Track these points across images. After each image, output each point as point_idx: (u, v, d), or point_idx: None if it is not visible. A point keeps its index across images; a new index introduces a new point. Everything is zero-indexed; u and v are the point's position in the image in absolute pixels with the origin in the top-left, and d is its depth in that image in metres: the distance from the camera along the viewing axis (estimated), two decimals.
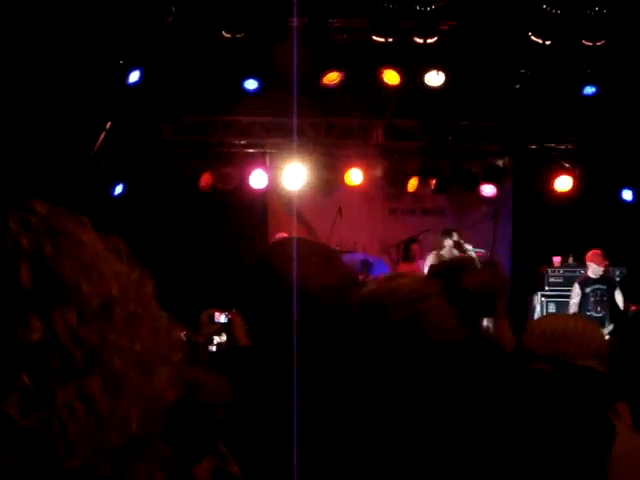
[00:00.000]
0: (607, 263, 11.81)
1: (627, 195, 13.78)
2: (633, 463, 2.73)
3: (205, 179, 13.49)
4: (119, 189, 13.20)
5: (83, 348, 1.10)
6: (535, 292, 13.30)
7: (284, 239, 2.78)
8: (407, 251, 13.57)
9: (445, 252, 12.38)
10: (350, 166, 13.73)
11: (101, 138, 12.53)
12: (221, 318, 9.56)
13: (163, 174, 13.25)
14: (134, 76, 11.85)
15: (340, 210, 13.26)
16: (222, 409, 2.12)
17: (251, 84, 12.61)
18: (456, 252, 12.26)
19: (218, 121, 13.67)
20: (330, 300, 2.44)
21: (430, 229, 13.77)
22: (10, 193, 1.19)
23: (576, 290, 11.91)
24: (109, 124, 12.59)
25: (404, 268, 13.05)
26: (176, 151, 13.51)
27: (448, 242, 12.57)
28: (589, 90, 12.79)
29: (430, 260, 12.30)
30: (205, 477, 2.08)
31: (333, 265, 2.56)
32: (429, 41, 11.65)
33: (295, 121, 13.18)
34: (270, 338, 2.47)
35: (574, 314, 8.85)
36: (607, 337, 4.80)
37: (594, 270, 11.75)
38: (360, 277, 11.98)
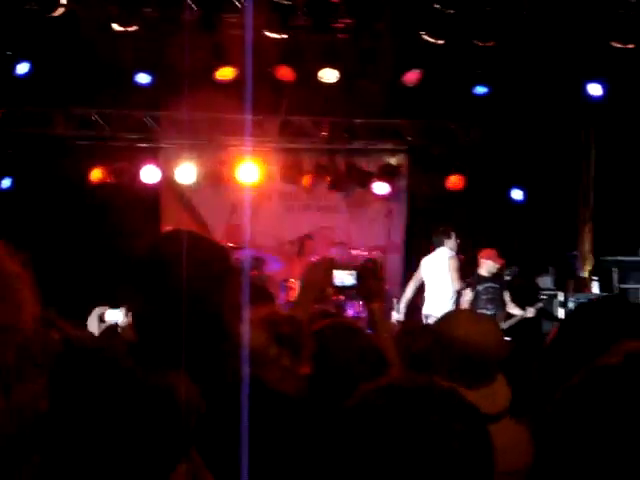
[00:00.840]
0: (503, 262, 11.93)
1: (517, 195, 13.99)
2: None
3: (96, 173, 13.32)
4: (6, 183, 12.96)
5: None
6: None
7: (171, 232, 2.74)
8: (302, 248, 13.58)
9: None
10: (244, 162, 13.67)
11: None
12: (112, 315, 9.44)
13: (53, 168, 13.03)
14: (23, 68, 11.63)
15: (234, 206, 13.21)
16: (195, 416, 2.09)
17: (143, 78, 12.49)
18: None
19: (110, 115, 13.50)
20: (213, 295, 2.42)
21: (326, 226, 13.84)
22: None
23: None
24: None
25: (298, 264, 13.06)
26: (66, 145, 13.30)
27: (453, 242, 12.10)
28: (480, 90, 12.98)
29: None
30: None
31: (217, 260, 2.54)
32: (322, 38, 11.69)
33: (188, 116, 13.10)
34: (156, 333, 2.43)
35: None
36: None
37: (487, 268, 11.82)
38: (252, 273, 11.97)
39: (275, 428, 2.39)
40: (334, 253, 13.65)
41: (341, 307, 11.85)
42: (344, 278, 11.85)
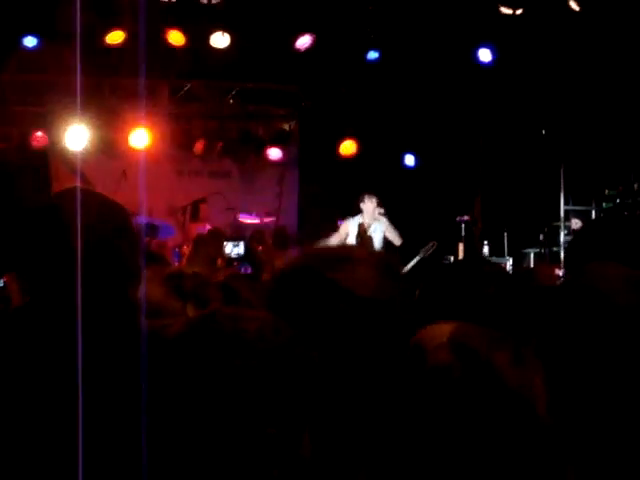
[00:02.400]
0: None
1: (409, 160, 14.12)
2: None
3: None
4: None
5: None
6: None
7: (67, 191, 2.66)
8: (195, 212, 13.48)
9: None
10: (135, 127, 13.48)
11: None
12: None
13: None
14: None
15: (125, 172, 13.03)
16: None
17: (30, 41, 12.20)
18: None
19: None
20: (111, 250, 2.38)
21: (219, 192, 13.77)
22: None
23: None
24: None
25: (193, 228, 12.99)
26: None
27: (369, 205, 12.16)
28: (372, 55, 13.03)
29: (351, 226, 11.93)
30: None
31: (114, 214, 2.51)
32: (214, 2, 11.57)
33: (78, 80, 12.82)
34: (51, 291, 2.37)
35: None
36: None
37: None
38: (145, 240, 11.85)
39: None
40: (225, 219, 13.66)
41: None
42: (233, 249, 11.90)
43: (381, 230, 11.73)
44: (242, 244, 12.00)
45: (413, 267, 11.59)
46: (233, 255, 11.78)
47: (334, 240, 12.02)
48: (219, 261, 10.01)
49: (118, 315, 2.33)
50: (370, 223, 11.79)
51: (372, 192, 11.93)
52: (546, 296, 2.31)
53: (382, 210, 11.79)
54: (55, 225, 2.37)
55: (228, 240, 12.04)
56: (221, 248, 10.67)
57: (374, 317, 2.04)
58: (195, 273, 3.35)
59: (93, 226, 2.36)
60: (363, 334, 2.04)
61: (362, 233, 11.70)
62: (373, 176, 13.44)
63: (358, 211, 11.97)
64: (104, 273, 2.34)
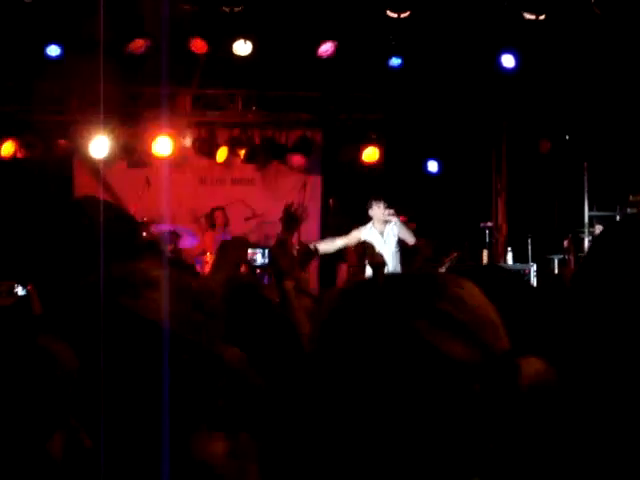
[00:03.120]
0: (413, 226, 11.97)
1: (432, 167, 14.09)
2: None
3: (7, 147, 13.04)
4: None
5: None
6: (344, 261, 13.42)
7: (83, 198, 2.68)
8: (212, 220, 13.50)
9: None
10: (158, 135, 13.50)
11: None
12: (19, 290, 9.28)
13: None
14: None
15: (148, 180, 13.07)
16: (72, 380, 2.03)
17: (54, 50, 12.24)
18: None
19: (21, 88, 13.19)
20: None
21: (241, 199, 13.79)
22: None
23: None
24: None
25: (210, 237, 13.01)
26: None
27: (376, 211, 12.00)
28: (395, 62, 13.01)
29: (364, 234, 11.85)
30: (58, 452, 2.00)
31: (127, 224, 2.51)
32: (236, 9, 11.59)
33: (101, 89, 12.88)
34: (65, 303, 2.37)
35: None
36: None
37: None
38: (168, 248, 11.87)
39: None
40: (248, 226, 13.67)
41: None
42: (256, 256, 11.85)
43: (394, 234, 11.64)
44: (265, 252, 11.99)
45: None
46: (258, 263, 11.77)
47: (339, 242, 11.97)
48: (243, 268, 10.00)
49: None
50: (382, 229, 11.70)
51: (379, 197, 11.85)
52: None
53: (392, 211, 11.69)
54: (73, 237, 2.37)
55: (255, 248, 12.03)
56: (245, 255, 10.65)
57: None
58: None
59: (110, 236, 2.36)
60: None
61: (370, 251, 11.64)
62: (396, 183, 13.42)
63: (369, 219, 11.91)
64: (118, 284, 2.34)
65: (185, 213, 13.83)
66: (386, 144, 13.92)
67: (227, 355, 2.37)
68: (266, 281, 11.98)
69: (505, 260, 12.89)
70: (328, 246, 12.07)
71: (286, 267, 4.14)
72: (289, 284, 4.01)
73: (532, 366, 1.47)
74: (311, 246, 10.97)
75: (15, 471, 1.97)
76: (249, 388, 2.44)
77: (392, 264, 11.25)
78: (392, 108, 13.83)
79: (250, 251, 11.95)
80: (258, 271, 11.56)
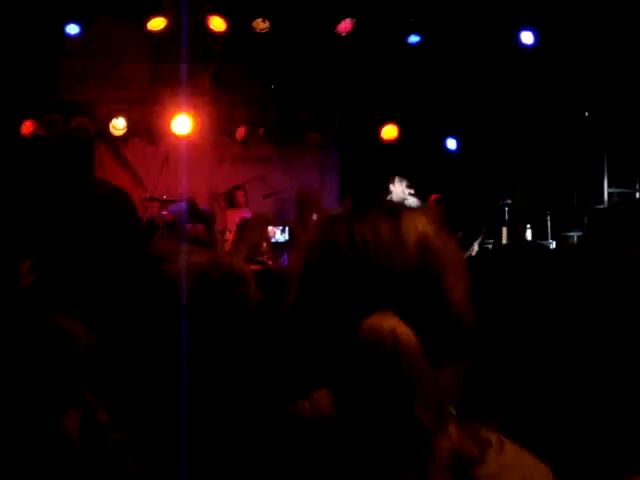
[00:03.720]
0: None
1: (451, 144, 14.06)
2: None
3: (27, 126, 13.07)
4: None
5: None
6: None
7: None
8: (232, 198, 13.50)
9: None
10: (177, 113, 13.51)
11: None
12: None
13: None
14: None
15: (167, 158, 13.09)
16: (87, 357, 2.06)
17: (73, 29, 12.25)
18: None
19: (41, 67, 13.20)
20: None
21: (259, 177, 13.79)
22: None
23: None
24: None
25: (231, 215, 13.01)
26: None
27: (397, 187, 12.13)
28: (413, 39, 12.97)
29: None
30: (74, 428, 2.02)
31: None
32: None
33: (120, 67, 12.93)
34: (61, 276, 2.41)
35: None
36: None
37: None
38: (187, 226, 11.88)
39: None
40: (266, 204, 13.69)
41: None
42: (276, 234, 11.84)
43: None
44: (287, 230, 12.04)
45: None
46: (278, 240, 11.81)
47: None
48: (263, 245, 10.05)
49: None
50: None
51: (403, 175, 11.94)
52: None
53: (412, 191, 11.75)
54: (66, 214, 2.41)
55: (275, 225, 12.07)
56: (265, 233, 10.71)
57: None
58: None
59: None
60: None
61: None
62: (414, 160, 13.41)
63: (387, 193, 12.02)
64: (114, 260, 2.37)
65: (204, 191, 13.84)
66: (404, 121, 13.89)
67: None
68: (286, 258, 12.06)
69: (524, 237, 12.86)
70: None
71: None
72: None
73: None
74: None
75: (30, 447, 1.99)
76: None
77: None
78: (411, 85, 13.79)
79: (270, 228, 12.02)
80: (278, 249, 11.61)
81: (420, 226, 1.51)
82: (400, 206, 1.54)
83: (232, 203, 13.42)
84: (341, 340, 1.40)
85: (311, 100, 14.27)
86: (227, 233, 12.33)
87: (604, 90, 12.49)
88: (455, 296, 1.46)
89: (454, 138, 13.98)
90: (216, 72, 13.84)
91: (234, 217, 12.82)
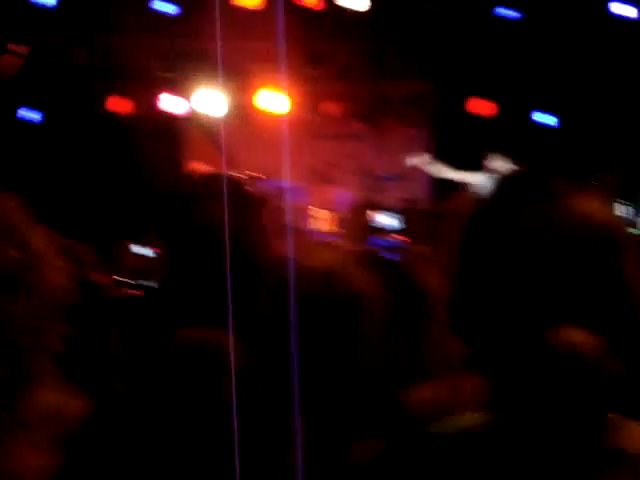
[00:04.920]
0: None
1: (545, 119, 13.89)
2: None
3: (117, 103, 13.19)
4: (32, 115, 12.88)
5: None
6: None
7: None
8: (325, 175, 13.48)
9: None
10: (270, 91, 13.52)
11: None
12: (140, 250, 9.39)
13: (74, 98, 12.91)
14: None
15: (259, 136, 13.10)
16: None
17: (165, 6, 12.33)
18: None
19: (133, 44, 13.32)
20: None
21: (352, 154, 13.74)
22: None
23: None
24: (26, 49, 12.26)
25: (324, 192, 12.99)
26: (88, 74, 13.14)
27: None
28: (509, 12, 12.85)
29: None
30: None
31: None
32: None
33: (211, 45, 12.95)
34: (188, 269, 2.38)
35: None
36: None
37: None
38: (279, 204, 11.90)
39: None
40: (359, 182, 13.64)
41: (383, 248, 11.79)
42: (386, 219, 11.62)
43: None
44: (397, 216, 11.94)
45: None
46: (383, 225, 11.73)
47: (457, 175, 12.10)
48: (366, 230, 10.11)
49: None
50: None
51: (498, 150, 11.88)
52: None
53: (511, 167, 11.68)
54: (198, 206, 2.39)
55: (384, 210, 11.98)
56: (372, 217, 10.76)
57: None
58: None
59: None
60: None
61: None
62: (508, 136, 13.23)
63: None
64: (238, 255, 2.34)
65: (296, 168, 13.83)
66: (499, 95, 13.72)
67: None
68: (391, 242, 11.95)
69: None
70: (438, 170, 12.22)
71: (419, 231, 4.10)
72: (420, 249, 3.95)
73: None
74: None
75: None
76: None
77: None
78: (505, 59, 13.59)
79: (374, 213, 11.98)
80: (386, 235, 11.53)
81: (593, 206, 1.48)
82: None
83: (325, 180, 13.37)
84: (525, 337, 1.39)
85: (405, 75, 14.16)
86: (320, 211, 12.34)
87: None
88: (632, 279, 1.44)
89: (549, 113, 13.77)
90: (309, 48, 13.80)
91: (327, 194, 12.82)
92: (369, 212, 11.59)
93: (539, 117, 13.81)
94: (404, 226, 11.55)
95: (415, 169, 13.63)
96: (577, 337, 1.32)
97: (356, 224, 10.92)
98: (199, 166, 11.83)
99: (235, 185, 2.60)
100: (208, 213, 2.38)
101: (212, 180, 2.60)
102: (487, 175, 11.93)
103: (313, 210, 12.47)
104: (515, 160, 11.84)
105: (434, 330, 3.26)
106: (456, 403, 2.92)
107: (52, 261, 1.21)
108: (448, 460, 1.39)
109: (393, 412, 2.32)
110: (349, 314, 2.15)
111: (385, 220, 11.86)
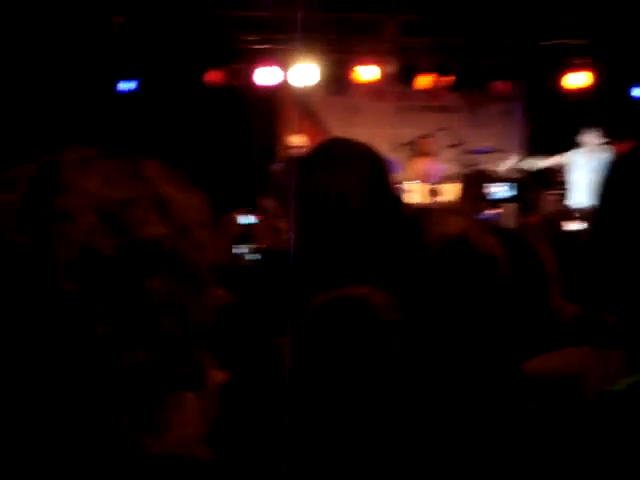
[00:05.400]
0: None
1: (638, 92, 13.66)
2: None
3: (214, 75, 13.29)
4: (130, 85, 13.04)
5: None
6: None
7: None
8: (418, 147, 13.38)
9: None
10: (362, 63, 13.50)
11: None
12: (243, 220, 9.51)
13: (172, 71, 13.05)
14: None
15: (353, 107, 13.11)
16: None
17: None
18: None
19: (228, 16, 13.40)
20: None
21: (445, 127, 13.64)
22: None
23: None
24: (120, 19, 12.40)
25: (417, 164, 12.91)
26: (185, 47, 13.25)
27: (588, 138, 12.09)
28: None
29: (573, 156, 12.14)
30: None
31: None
32: None
33: (304, 17, 12.97)
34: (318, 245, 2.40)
35: None
36: None
37: None
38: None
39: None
40: (451, 154, 13.56)
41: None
42: (499, 190, 11.52)
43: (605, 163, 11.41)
44: (511, 185, 11.83)
45: None
46: (500, 195, 11.62)
47: (549, 161, 11.98)
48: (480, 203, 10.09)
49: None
50: (591, 156, 11.61)
51: (594, 126, 11.76)
52: None
53: (604, 141, 11.60)
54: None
55: (495, 182, 11.88)
56: (484, 188, 10.73)
57: None
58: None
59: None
60: None
61: None
62: (602, 110, 13.05)
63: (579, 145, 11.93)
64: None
65: (386, 141, 13.80)
66: (593, 69, 13.52)
67: None
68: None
69: None
70: (531, 164, 12.09)
71: (532, 200, 4.06)
72: (534, 219, 3.95)
73: None
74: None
75: None
76: None
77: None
78: (598, 32, 13.38)
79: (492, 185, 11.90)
80: (499, 206, 11.43)
81: None
82: None
83: (417, 152, 13.30)
84: None
85: (497, 47, 14.03)
86: (415, 183, 12.29)
87: None
88: None
89: None
90: (402, 20, 13.75)
91: (420, 166, 12.78)
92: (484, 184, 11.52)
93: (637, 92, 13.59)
94: (517, 196, 11.47)
95: (506, 141, 13.55)
96: None
97: (471, 195, 10.88)
98: (295, 139, 11.90)
99: (364, 149, 2.61)
100: (341, 179, 2.39)
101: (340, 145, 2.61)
102: (582, 152, 11.84)
103: (405, 183, 12.44)
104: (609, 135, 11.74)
105: (551, 297, 3.29)
106: (578, 373, 2.95)
107: (202, 234, 1.16)
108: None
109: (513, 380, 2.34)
110: (487, 276, 2.19)
111: (500, 190, 11.79)
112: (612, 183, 1.47)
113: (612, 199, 1.46)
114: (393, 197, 2.44)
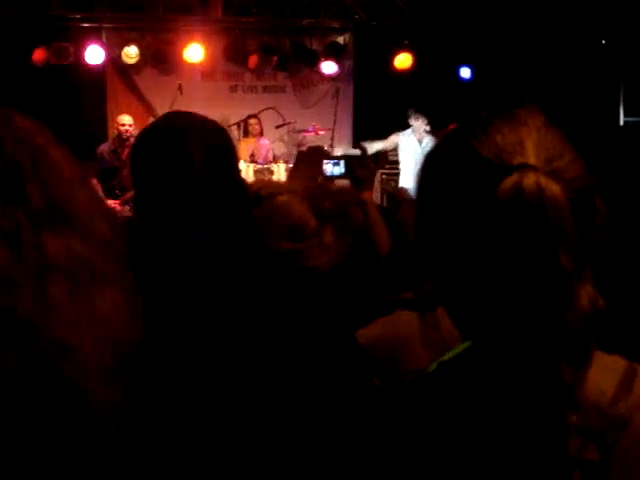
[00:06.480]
0: None
1: (465, 73, 13.97)
2: None
3: (38, 54, 12.96)
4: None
5: None
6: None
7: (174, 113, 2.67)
8: (246, 127, 13.41)
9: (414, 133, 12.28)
10: (189, 42, 13.39)
11: None
12: None
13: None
14: None
15: (180, 87, 12.99)
16: None
17: None
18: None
19: None
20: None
21: (273, 107, 13.69)
22: None
23: None
24: None
25: (245, 144, 12.93)
26: (7, 24, 12.87)
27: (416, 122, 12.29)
28: None
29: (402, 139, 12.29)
30: None
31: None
32: None
33: None
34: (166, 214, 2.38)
35: None
36: None
37: None
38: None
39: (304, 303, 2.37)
40: (279, 134, 13.63)
41: None
42: (332, 168, 11.76)
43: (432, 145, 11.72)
44: (342, 163, 11.91)
45: None
46: (334, 172, 11.70)
47: (377, 145, 12.20)
48: (319, 179, 10.07)
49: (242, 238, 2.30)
50: (421, 138, 11.96)
51: (420, 111, 12.04)
52: None
53: (428, 128, 11.92)
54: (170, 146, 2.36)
55: (329, 159, 11.93)
56: (321, 166, 10.74)
57: None
58: (338, 191, 3.34)
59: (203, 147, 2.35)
60: None
61: None
62: (428, 89, 13.32)
63: (409, 126, 12.20)
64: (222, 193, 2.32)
65: (216, 120, 13.75)
66: (418, 50, 13.77)
67: None
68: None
69: None
70: (364, 145, 12.29)
71: (363, 177, 4.12)
72: (367, 194, 4.00)
73: None
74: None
75: None
76: None
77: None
78: (424, 12, 13.64)
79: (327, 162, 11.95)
80: (335, 182, 11.51)
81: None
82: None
83: (246, 132, 13.33)
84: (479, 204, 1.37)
85: (324, 27, 14.15)
86: (240, 162, 12.28)
87: (621, 18, 12.36)
88: None
89: (468, 67, 13.88)
90: (229, 0, 13.71)
91: (248, 147, 12.79)
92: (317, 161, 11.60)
93: (462, 71, 13.93)
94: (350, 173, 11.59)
95: (335, 120, 13.67)
96: None
97: (303, 173, 10.92)
98: (124, 118, 11.73)
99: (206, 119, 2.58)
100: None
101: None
102: (409, 134, 12.14)
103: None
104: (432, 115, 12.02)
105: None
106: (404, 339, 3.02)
107: None
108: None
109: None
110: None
111: (333, 168, 11.87)
112: (424, 171, 1.52)
113: (424, 188, 1.51)
114: (235, 167, 2.44)
